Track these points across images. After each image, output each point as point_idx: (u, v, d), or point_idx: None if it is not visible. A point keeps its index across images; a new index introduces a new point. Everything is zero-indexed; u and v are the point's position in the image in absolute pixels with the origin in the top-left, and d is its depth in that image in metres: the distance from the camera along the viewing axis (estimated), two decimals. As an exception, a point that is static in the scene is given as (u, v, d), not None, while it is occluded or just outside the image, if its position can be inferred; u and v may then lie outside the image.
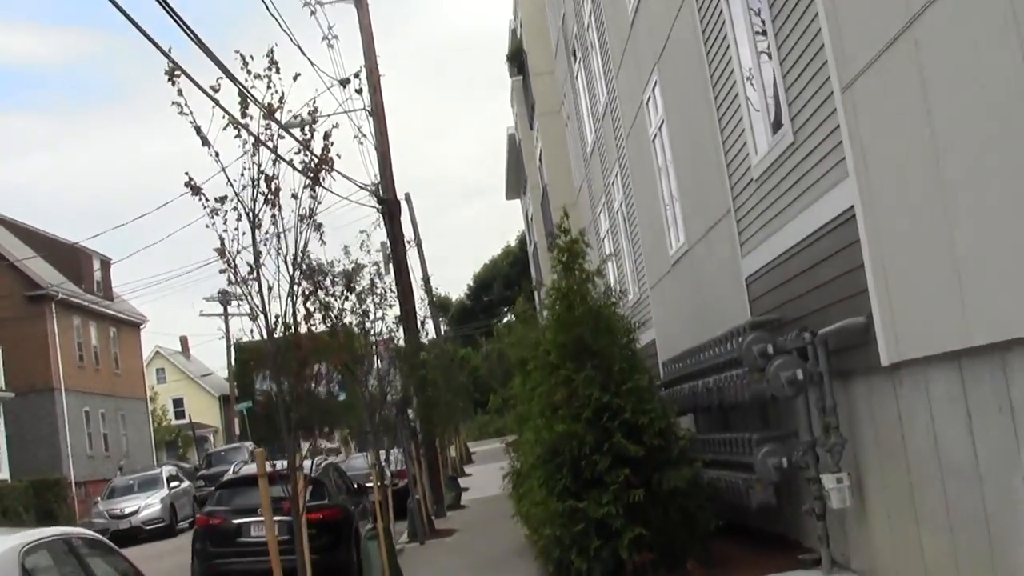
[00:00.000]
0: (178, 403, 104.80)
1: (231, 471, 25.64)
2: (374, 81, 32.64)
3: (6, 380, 49.89)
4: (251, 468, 24.10)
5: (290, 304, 10.92)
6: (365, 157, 75.32)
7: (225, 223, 10.64)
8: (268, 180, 10.64)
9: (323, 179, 11.36)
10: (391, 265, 30.61)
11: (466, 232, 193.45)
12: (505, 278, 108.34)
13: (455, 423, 47.57)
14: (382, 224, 30.86)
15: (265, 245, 10.70)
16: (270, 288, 10.84)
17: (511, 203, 71.34)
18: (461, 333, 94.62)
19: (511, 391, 22.88)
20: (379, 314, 21.21)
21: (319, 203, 11.25)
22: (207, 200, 10.65)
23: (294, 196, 10.95)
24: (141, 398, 69.92)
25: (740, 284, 15.59)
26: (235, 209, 10.67)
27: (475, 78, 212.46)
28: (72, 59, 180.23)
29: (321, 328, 13.93)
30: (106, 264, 65.00)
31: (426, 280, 50.84)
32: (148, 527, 43.17)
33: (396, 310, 23.73)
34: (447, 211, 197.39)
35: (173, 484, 46.60)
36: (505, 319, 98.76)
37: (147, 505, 43.97)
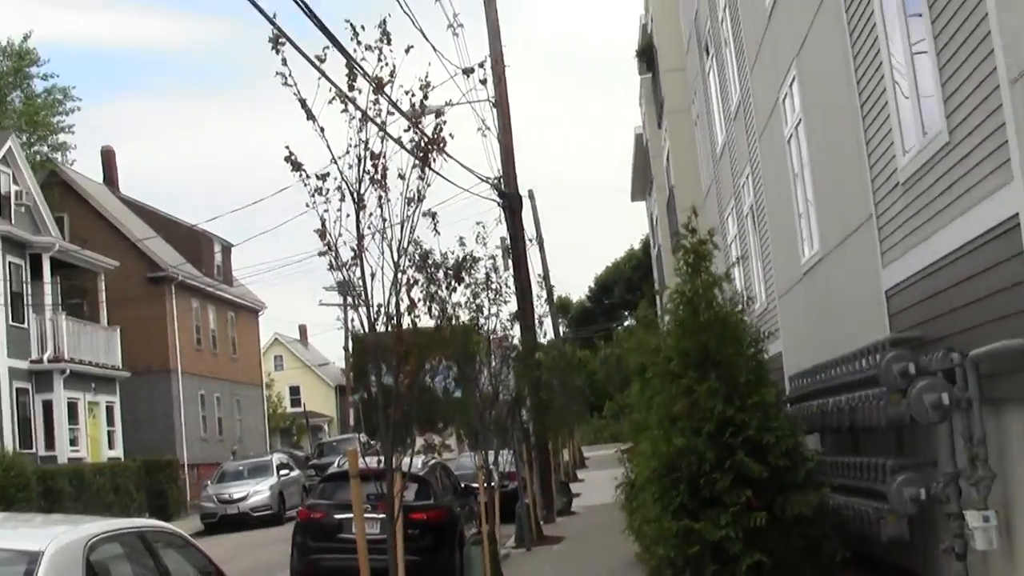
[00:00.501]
0: (294, 391, 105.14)
1: (335, 464, 25.07)
2: (499, 71, 31.90)
3: (124, 360, 49.80)
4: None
5: (393, 294, 10.12)
6: (488, 151, 74.73)
7: (327, 202, 9.88)
8: (375, 157, 9.83)
9: (434, 160, 10.51)
10: (510, 261, 29.79)
11: (588, 234, 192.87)
12: (627, 281, 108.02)
13: (569, 426, 46.71)
14: (502, 219, 30.12)
15: (370, 229, 9.90)
16: (373, 275, 10.05)
17: (636, 205, 70.26)
18: (580, 335, 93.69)
19: (628, 397, 22.04)
20: (494, 310, 20.38)
21: (428, 185, 10.43)
22: (307, 177, 9.88)
23: (401, 176, 10.11)
24: (257, 384, 69.82)
25: (879, 297, 14.51)
26: (339, 188, 9.90)
27: (600, 77, 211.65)
28: (195, 45, 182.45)
29: (428, 321, 13.10)
30: (227, 249, 64.93)
31: (546, 278, 49.99)
32: (256, 514, 42.99)
33: (512, 307, 22.85)
34: (569, 213, 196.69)
35: (283, 472, 46.36)
36: (625, 323, 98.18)
37: (256, 492, 43.82)
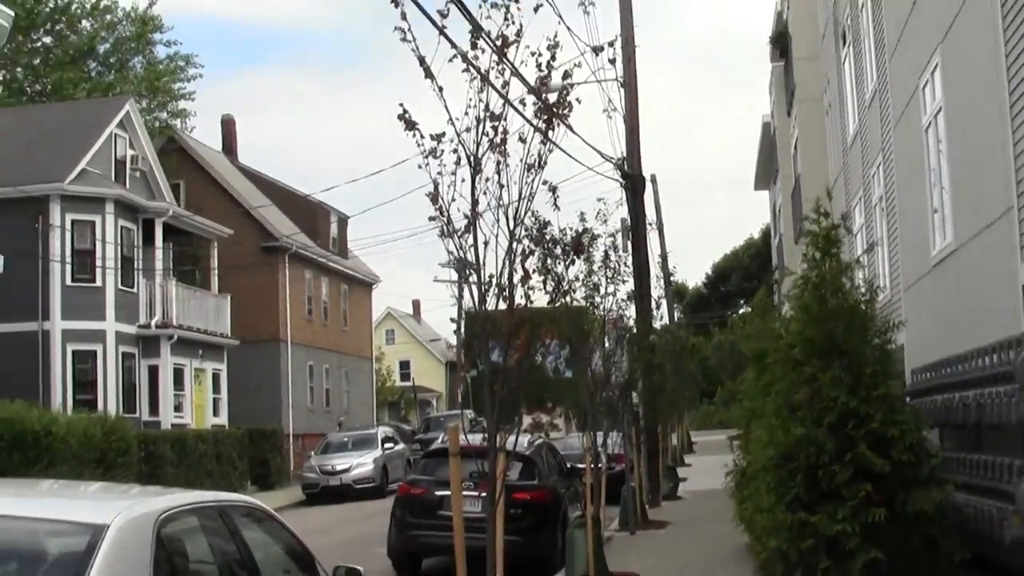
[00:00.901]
0: (404, 365, 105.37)
1: (439, 440, 24.82)
2: (629, 52, 31.32)
3: (233, 328, 49.90)
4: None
5: (507, 265, 9.72)
6: (612, 132, 74.02)
7: (441, 164, 9.48)
8: (495, 118, 9.42)
9: (558, 125, 10.05)
10: (629, 243, 29.34)
11: (708, 223, 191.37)
12: (745, 270, 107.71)
13: (679, 411, 46.11)
14: (624, 201, 29.65)
15: (485, 195, 9.51)
16: (486, 243, 9.66)
17: (758, 195, 69.49)
18: (695, 321, 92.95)
19: (741, 384, 21.54)
20: (610, 289, 19.91)
21: (550, 151, 9.99)
22: (422, 137, 9.51)
23: (522, 140, 9.68)
24: (366, 357, 69.84)
25: (1015, 291, 13.89)
26: (455, 151, 9.51)
27: (729, 66, 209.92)
28: (327, 22, 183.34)
29: (543, 296, 12.64)
30: (343, 221, 64.96)
31: (664, 262, 49.38)
32: (358, 486, 42.91)
33: (629, 286, 22.34)
34: (689, 201, 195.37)
35: (388, 445, 46.25)
36: (741, 311, 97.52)
37: (359, 464, 43.74)
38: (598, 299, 19.43)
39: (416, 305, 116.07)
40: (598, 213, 18.60)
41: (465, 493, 19.55)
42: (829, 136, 36.37)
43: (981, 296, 15.94)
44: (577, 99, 10.08)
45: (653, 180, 48.05)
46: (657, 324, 32.51)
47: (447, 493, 19.17)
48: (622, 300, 21.06)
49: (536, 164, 9.82)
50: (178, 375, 45.20)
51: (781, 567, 12.66)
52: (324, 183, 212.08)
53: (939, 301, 18.77)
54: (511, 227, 9.69)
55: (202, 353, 47.07)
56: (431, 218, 9.59)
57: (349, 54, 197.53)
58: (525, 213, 9.81)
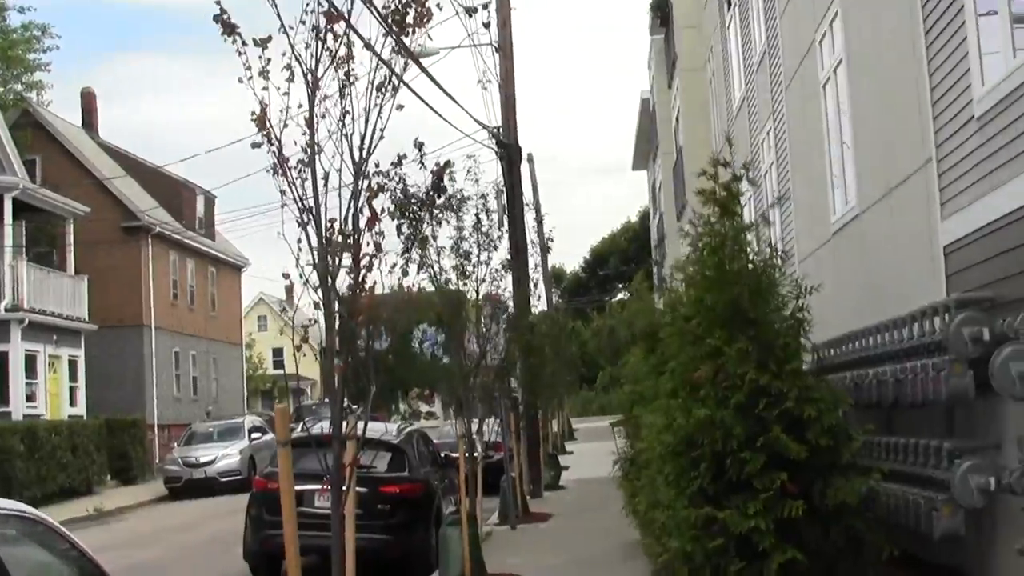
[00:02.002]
0: (277, 352, 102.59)
1: (298, 428, 22.96)
2: (504, 14, 29.79)
3: (92, 312, 47.28)
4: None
5: (352, 204, 7.93)
6: (488, 104, 72.50)
7: (267, 80, 7.67)
8: (333, 18, 7.61)
9: (414, 34, 8.23)
10: (505, 217, 27.67)
11: (584, 206, 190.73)
12: (623, 253, 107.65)
13: (560, 396, 44.71)
14: (500, 173, 28.04)
15: (325, 118, 7.72)
16: (326, 178, 7.87)
17: (635, 178, 68.73)
18: (573, 306, 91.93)
19: (623, 367, 20.22)
20: (483, 257, 18.24)
21: (406, 67, 8.20)
22: (244, 45, 7.71)
23: (368, 47, 7.88)
24: (236, 343, 67.43)
25: (934, 254, 12.45)
26: (287, 67, 7.72)
27: (606, 42, 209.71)
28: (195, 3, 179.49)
29: (396, 243, 10.74)
30: (210, 201, 62.32)
31: (541, 244, 47.77)
32: (224, 479, 40.94)
33: (503, 253, 20.73)
34: (564, 186, 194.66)
35: (255, 435, 44.12)
36: (619, 296, 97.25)
37: (224, 455, 41.84)
38: (470, 268, 17.72)
39: (289, 290, 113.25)
40: (468, 171, 16.94)
41: (324, 487, 17.95)
42: (713, 106, 35.26)
43: (893, 263, 14.53)
44: (439, 5, 8.23)
45: (530, 159, 46.55)
46: (535, 309, 31.08)
47: (308, 487, 17.46)
48: (496, 270, 19.42)
49: (388, 84, 8.00)
50: (30, 362, 42.39)
51: (685, 570, 10.99)
52: (192, 163, 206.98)
53: (841, 271, 17.34)
54: (358, 158, 7.89)
55: (57, 339, 44.27)
56: (255, 145, 7.75)
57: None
58: (374, 141, 7.98)
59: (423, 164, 10.29)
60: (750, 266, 11.60)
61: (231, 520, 26.50)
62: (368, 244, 8.13)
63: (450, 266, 17.29)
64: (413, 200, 9.00)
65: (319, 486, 17.33)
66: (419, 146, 9.87)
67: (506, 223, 26.07)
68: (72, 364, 46.21)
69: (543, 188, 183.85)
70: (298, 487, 17.39)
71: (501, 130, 28.88)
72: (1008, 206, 10.28)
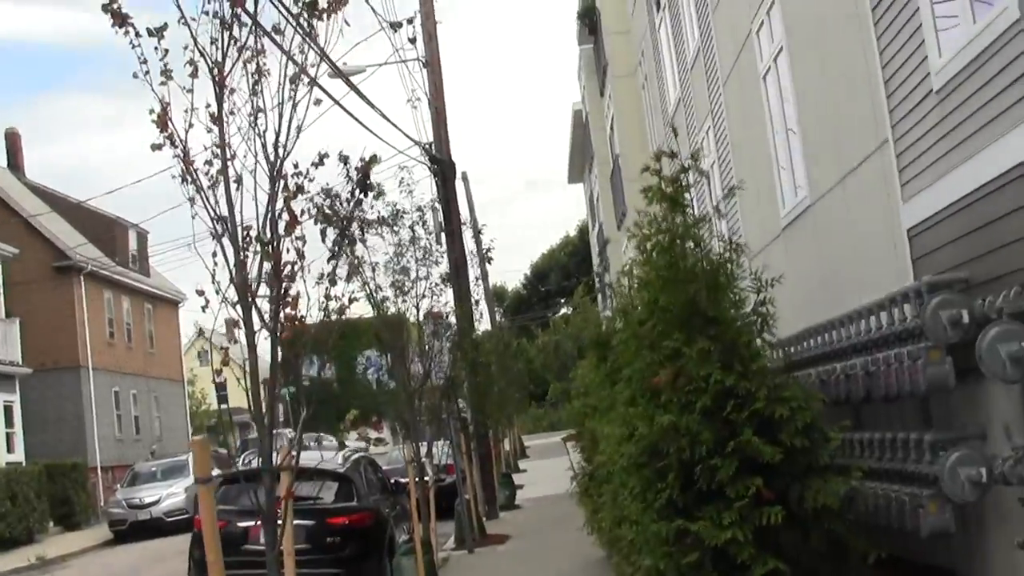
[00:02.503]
0: (221, 387, 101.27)
1: (240, 461, 22.10)
2: (430, 28, 29.14)
3: (25, 355, 46.09)
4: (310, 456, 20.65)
5: (269, 209, 7.15)
6: (419, 121, 71.64)
7: (167, 78, 6.88)
8: (235, 1, 6.81)
9: (330, 19, 7.42)
10: (443, 234, 26.92)
11: (522, 223, 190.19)
12: (563, 268, 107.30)
13: (509, 414, 44.00)
14: (434, 188, 27.34)
15: (233, 114, 6.95)
16: (239, 180, 7.08)
17: (572, 191, 68.46)
18: (516, 323, 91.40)
19: (573, 379, 19.60)
20: (422, 273, 17.50)
21: (321, 59, 7.42)
22: (137, 36, 6.94)
23: (278, 30, 7.10)
24: (177, 380, 66.38)
25: (896, 239, 11.85)
26: (191, 63, 6.95)
27: (537, 56, 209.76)
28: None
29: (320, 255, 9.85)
30: (142, 236, 61.28)
31: (481, 261, 47.02)
32: (170, 519, 39.86)
33: (443, 269, 20.01)
34: (500, 203, 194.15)
35: (202, 471, 43.01)
36: (562, 311, 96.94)
37: (170, 495, 40.82)
38: (408, 284, 16.96)
39: (229, 324, 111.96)
40: (401, 181, 16.21)
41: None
42: (648, 110, 34.69)
43: (847, 253, 13.95)
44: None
45: (464, 177, 45.89)
46: (479, 327, 30.40)
47: (250, 524, 16.70)
48: (436, 285, 18.67)
49: (300, 77, 7.21)
50: (-37, 410, 41.20)
51: (659, 590, 10.27)
52: (125, 203, 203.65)
53: (793, 266, 16.69)
54: (273, 157, 7.11)
55: (-10, 384, 43.08)
56: (155, 147, 6.96)
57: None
58: (289, 138, 7.20)
59: (350, 178, 9.52)
60: (705, 262, 10.91)
61: (177, 562, 25.66)
62: (288, 251, 7.34)
63: (388, 284, 16.54)
64: (337, 199, 8.07)
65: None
66: (344, 159, 9.10)
67: (444, 240, 25.40)
68: (7, 409, 45.05)
69: (479, 207, 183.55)
70: (241, 523, 16.78)
71: (433, 146, 28.13)
72: (975, 181, 9.68)
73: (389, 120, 22.33)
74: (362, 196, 7.85)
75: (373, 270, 15.96)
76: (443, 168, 27.95)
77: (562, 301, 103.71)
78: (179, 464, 43.87)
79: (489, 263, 27.70)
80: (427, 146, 27.64)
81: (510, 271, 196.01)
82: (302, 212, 7.36)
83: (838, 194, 14.03)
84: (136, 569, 27.95)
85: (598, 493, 15.05)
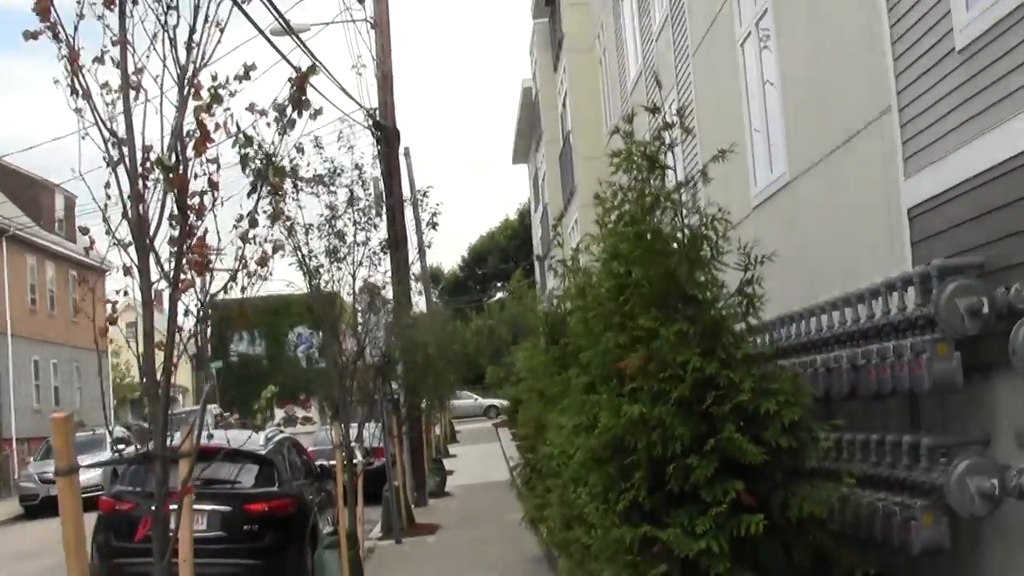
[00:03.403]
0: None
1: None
2: (379, -14, 27.71)
3: (-59, 322, 44.45)
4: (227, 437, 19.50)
5: (178, 122, 5.72)
6: (363, 86, 70.05)
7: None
8: None
9: None
10: (384, 204, 25.50)
11: (462, 205, 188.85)
12: (501, 251, 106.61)
13: (443, 397, 42.76)
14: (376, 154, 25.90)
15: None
16: (137, 89, 5.66)
17: (512, 175, 67.62)
18: (452, 305, 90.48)
19: (510, 363, 18.36)
20: (360, 237, 16.10)
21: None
22: None
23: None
24: (102, 350, 64.47)
25: (893, 219, 10.60)
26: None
27: (480, 42, 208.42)
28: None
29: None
30: (70, 201, 59.43)
31: (420, 238, 45.66)
32: (84, 495, 37.82)
33: (382, 234, 18.63)
34: (442, 183, 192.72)
35: (120, 447, 41.28)
36: (498, 295, 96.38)
37: (84, 470, 38.97)
38: (344, 250, 15.55)
39: (158, 295, 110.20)
40: (340, 135, 14.84)
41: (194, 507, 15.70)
42: (605, 85, 33.46)
43: (831, 236, 12.72)
44: None
45: (407, 153, 44.68)
46: (416, 308, 29.10)
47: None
48: (375, 253, 17.28)
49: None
50: None
51: (620, 605, 8.92)
52: (55, 170, 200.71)
53: (764, 250, 15.41)
54: (184, 60, 5.69)
55: (-97, 352, 41.37)
56: (30, 35, 5.52)
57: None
58: (206, 36, 5.77)
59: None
60: (686, 232, 9.60)
61: (87, 541, 24.05)
62: (197, 177, 5.92)
63: (322, 249, 15.12)
64: (263, 116, 6.56)
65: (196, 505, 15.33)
66: (280, 109, 7.65)
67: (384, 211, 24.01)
68: (-78, 378, 43.24)
69: (421, 184, 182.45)
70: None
71: (377, 112, 26.72)
72: (999, 154, 8.43)
73: (332, 77, 20.93)
74: (295, 116, 6.30)
75: (307, 232, 14.63)
76: (387, 135, 26.54)
77: (499, 285, 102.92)
78: (96, 439, 42.16)
79: (434, 228, 26.22)
80: (371, 111, 26.23)
81: (448, 253, 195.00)
82: (216, 128, 5.91)
83: (823, 171, 12.80)
84: (42, 550, 26.19)
85: (544, 488, 13.74)
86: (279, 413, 54.28)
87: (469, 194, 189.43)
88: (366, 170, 17.05)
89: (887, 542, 9.27)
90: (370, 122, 25.76)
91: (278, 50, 15.42)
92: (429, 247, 29.96)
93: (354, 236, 16.11)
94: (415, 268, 30.58)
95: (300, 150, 6.57)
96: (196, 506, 15.10)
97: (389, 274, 21.21)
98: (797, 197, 13.87)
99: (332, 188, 15.38)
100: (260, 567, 15.34)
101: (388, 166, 26.38)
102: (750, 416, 8.66)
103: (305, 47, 17.77)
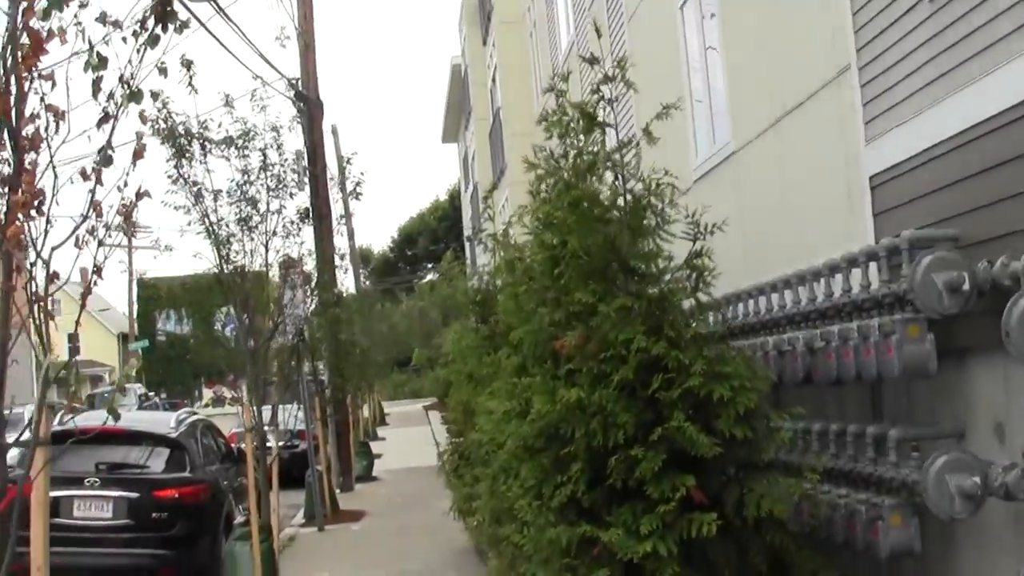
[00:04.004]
0: (72, 338, 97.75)
1: (58, 419, 19.57)
2: (300, -56, 26.62)
3: None
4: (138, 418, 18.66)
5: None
6: (285, 58, 68.91)
7: None
8: None
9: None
10: (306, 177, 24.42)
11: (391, 185, 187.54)
12: (432, 233, 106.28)
13: (371, 378, 41.77)
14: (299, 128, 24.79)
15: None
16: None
17: (443, 155, 66.76)
18: (382, 286, 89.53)
19: (438, 345, 17.63)
20: (275, 206, 15.10)
21: None
22: None
23: None
24: (26, 329, 63.19)
25: (851, 188, 9.78)
26: None
27: (407, 18, 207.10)
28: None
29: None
30: None
31: (347, 218, 44.66)
32: None
33: (299, 202, 17.62)
34: (372, 163, 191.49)
35: (40, 428, 40.16)
36: (429, 276, 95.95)
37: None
38: (257, 218, 14.53)
39: (84, 273, 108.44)
40: (254, 93, 13.82)
41: (89, 493, 14.62)
42: (535, 58, 32.58)
43: (779, 209, 11.85)
44: None
45: (334, 132, 43.62)
46: (343, 287, 28.11)
47: (69, 493, 14.30)
48: (292, 222, 16.28)
49: None
50: None
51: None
52: None
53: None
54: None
55: None
56: None
57: None
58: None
59: (192, 87, 6.94)
60: (628, 197, 8.69)
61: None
62: (33, 93, 4.88)
63: (233, 217, 14.11)
64: (117, 28, 5.32)
65: (80, 492, 14.33)
66: (187, 64, 6.56)
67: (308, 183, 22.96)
68: None
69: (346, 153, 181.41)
70: (55, 493, 14.32)
71: (300, 81, 25.62)
72: (976, 115, 7.57)
73: (252, 44, 19.83)
74: (159, 31, 5.17)
75: (215, 199, 13.64)
76: (309, 106, 25.42)
77: (430, 266, 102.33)
78: (15, 418, 40.89)
79: (358, 198, 25.31)
80: (293, 80, 25.13)
81: (378, 233, 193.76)
82: (50, 36, 4.84)
83: (770, 140, 11.96)
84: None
85: (472, 476, 12.84)
86: (207, 393, 53.25)
87: (399, 174, 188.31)
88: (283, 133, 16.00)
89: (849, 543, 8.39)
90: (292, 93, 24.64)
91: (207, 27, 14.30)
92: (358, 197, 28.96)
93: (267, 204, 15.09)
94: (342, 246, 29.59)
95: (163, 71, 5.43)
96: (101, 492, 14.24)
97: (310, 248, 20.17)
98: (740, 169, 13.07)
99: (245, 152, 14.38)
100: (170, 557, 14.36)
101: (312, 138, 25.28)
102: (701, 403, 7.77)
103: (223, 12, 16.59)
